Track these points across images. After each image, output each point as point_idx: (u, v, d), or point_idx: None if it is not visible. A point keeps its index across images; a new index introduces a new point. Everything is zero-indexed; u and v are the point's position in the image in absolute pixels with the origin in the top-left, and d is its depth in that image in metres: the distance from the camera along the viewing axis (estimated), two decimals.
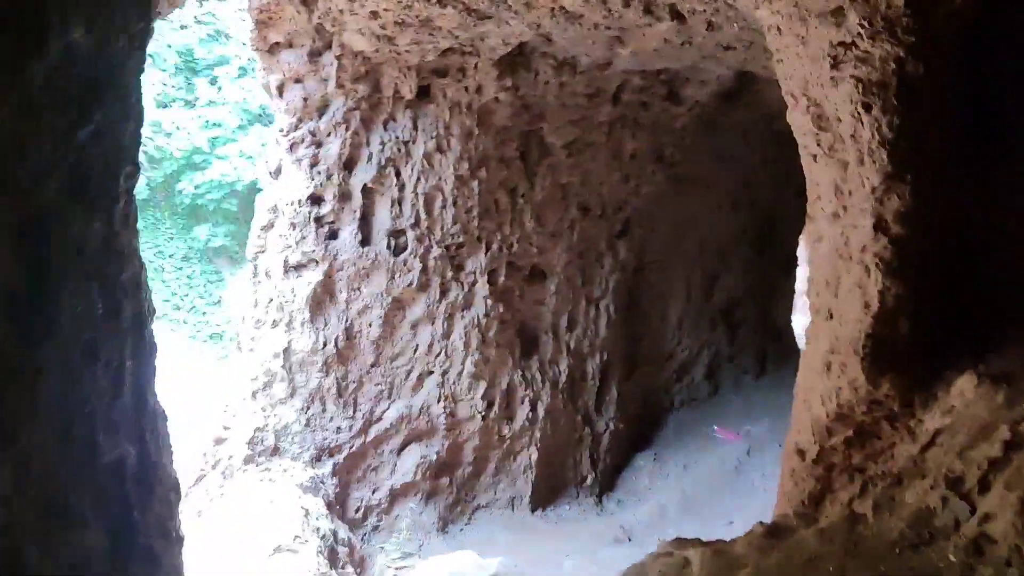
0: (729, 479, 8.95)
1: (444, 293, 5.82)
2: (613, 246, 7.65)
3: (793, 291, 10.99)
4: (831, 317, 3.97)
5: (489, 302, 6.17)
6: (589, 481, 7.74)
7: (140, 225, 1.92)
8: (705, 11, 4.64)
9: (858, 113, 3.56)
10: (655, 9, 4.73)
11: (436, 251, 5.65)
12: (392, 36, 4.54)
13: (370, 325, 5.39)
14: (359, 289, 5.27)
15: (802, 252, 13.08)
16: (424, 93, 5.25)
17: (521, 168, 6.21)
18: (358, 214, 5.10)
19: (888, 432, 3.71)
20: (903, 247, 3.49)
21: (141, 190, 17.05)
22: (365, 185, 5.10)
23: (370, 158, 5.06)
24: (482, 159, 5.78)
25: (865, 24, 3.41)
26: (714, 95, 7.18)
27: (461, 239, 5.82)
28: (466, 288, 5.99)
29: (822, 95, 3.79)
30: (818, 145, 4.06)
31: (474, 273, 6.04)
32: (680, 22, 4.82)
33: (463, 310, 5.99)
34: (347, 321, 5.28)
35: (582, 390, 7.60)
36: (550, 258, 6.86)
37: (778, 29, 4.02)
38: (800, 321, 12.11)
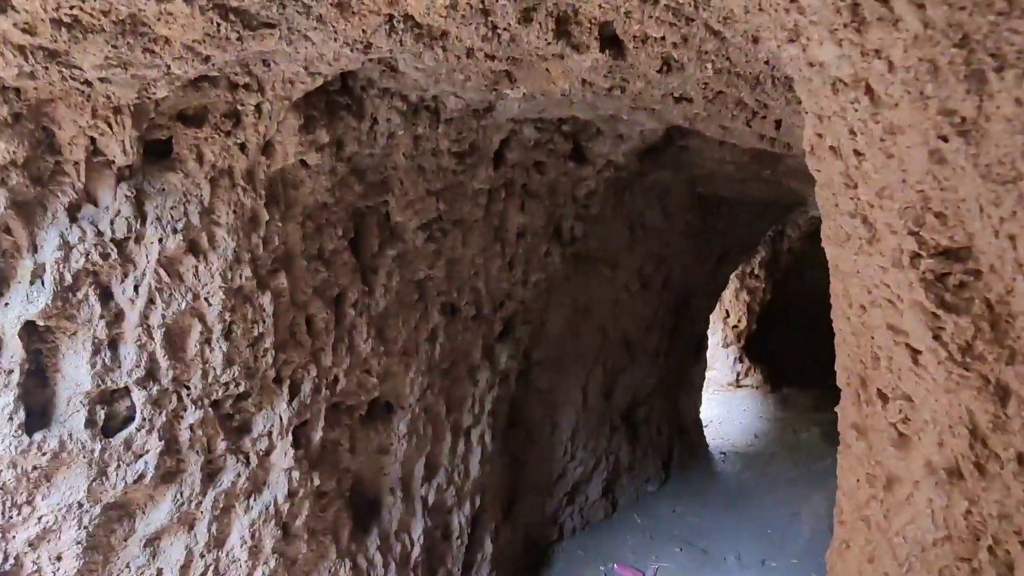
0: None
1: (212, 477, 3.48)
2: (491, 353, 5.51)
3: (703, 377, 9.22)
4: None
5: (296, 475, 3.87)
6: None
7: None
8: (664, 40, 2.58)
9: None
10: (575, 31, 2.63)
11: (195, 413, 3.30)
12: (57, 49, 2.24)
13: (59, 559, 2.99)
14: (30, 503, 2.87)
15: (718, 333, 11.45)
16: (160, 152, 2.93)
17: (352, 265, 3.97)
18: (16, 376, 2.71)
19: None
20: None
21: None
22: (30, 323, 2.72)
23: (40, 273, 2.69)
24: (281, 259, 3.50)
25: None
26: (632, 153, 5.20)
27: (243, 387, 3.50)
28: (254, 461, 3.67)
29: None
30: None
31: (269, 435, 3.72)
32: (615, 55, 2.75)
33: (249, 496, 3.67)
34: (5, 556, 2.87)
35: (445, 556, 5.40)
36: (399, 386, 4.64)
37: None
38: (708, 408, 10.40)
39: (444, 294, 4.75)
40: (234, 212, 3.14)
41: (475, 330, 5.17)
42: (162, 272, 2.98)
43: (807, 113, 2.14)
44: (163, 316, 3.05)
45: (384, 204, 4.03)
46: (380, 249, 4.13)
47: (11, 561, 2.90)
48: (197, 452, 3.38)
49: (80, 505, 3.01)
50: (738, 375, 11.00)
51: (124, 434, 3.08)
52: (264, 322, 3.50)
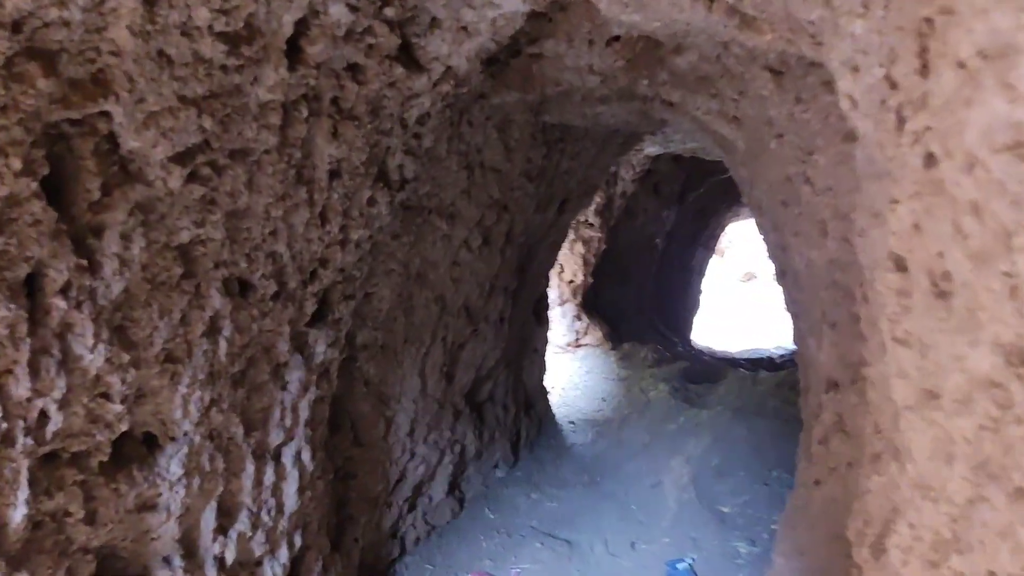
0: None
1: None
2: (302, 343, 4.00)
3: (546, 341, 8.16)
4: None
5: None
6: None
7: None
8: None
9: None
10: None
11: None
12: None
13: None
14: None
15: (554, 290, 10.40)
16: None
17: (50, 225, 2.32)
18: None
19: None
20: None
21: None
22: None
23: None
24: None
25: None
26: (477, 57, 3.86)
27: None
28: None
29: None
30: None
31: None
32: None
33: None
34: None
35: None
36: (164, 408, 3.04)
37: None
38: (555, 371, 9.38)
39: (227, 265, 3.17)
40: None
41: (278, 313, 3.63)
42: None
43: None
44: None
45: (104, 118, 2.40)
46: (106, 196, 2.49)
47: None
48: None
49: None
50: (577, 334, 10.10)
51: None
52: None
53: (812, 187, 3.45)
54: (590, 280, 10.04)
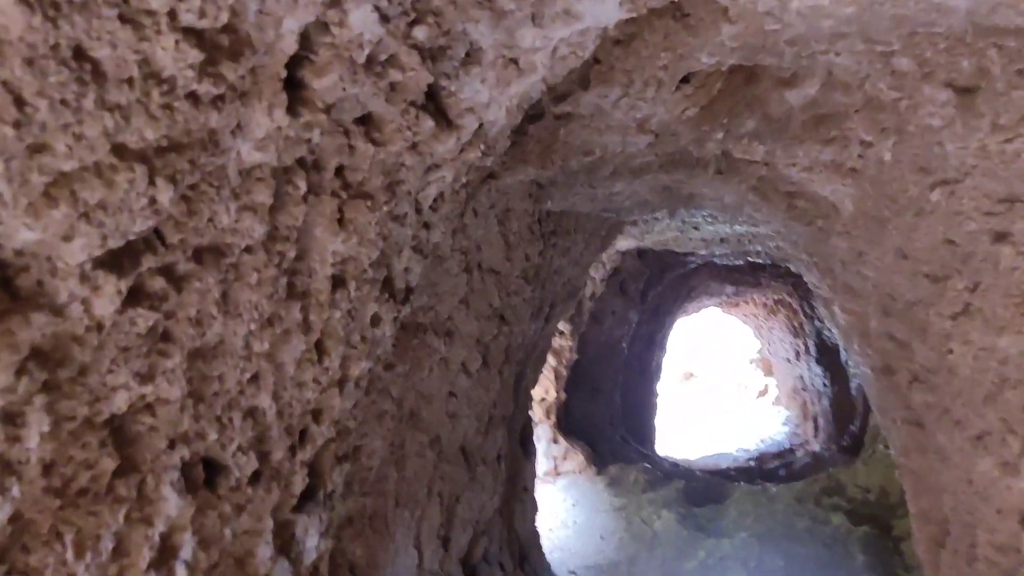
0: None
1: None
2: (289, 539, 2.67)
3: (534, 474, 6.89)
4: None
5: None
6: None
7: None
8: None
9: None
10: None
11: None
12: None
13: None
14: None
15: (537, 413, 9.15)
16: None
17: None
18: None
19: None
20: None
21: None
22: None
23: None
24: None
25: None
26: (519, 109, 2.83)
27: None
28: None
29: None
30: None
31: None
32: None
33: None
34: None
35: None
36: None
37: None
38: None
39: (187, 440, 1.89)
40: None
41: (259, 503, 2.33)
42: None
43: None
44: None
45: None
46: None
47: None
48: None
49: None
50: (555, 460, 8.84)
51: None
52: None
53: (1015, 246, 2.51)
54: (563, 396, 8.92)
